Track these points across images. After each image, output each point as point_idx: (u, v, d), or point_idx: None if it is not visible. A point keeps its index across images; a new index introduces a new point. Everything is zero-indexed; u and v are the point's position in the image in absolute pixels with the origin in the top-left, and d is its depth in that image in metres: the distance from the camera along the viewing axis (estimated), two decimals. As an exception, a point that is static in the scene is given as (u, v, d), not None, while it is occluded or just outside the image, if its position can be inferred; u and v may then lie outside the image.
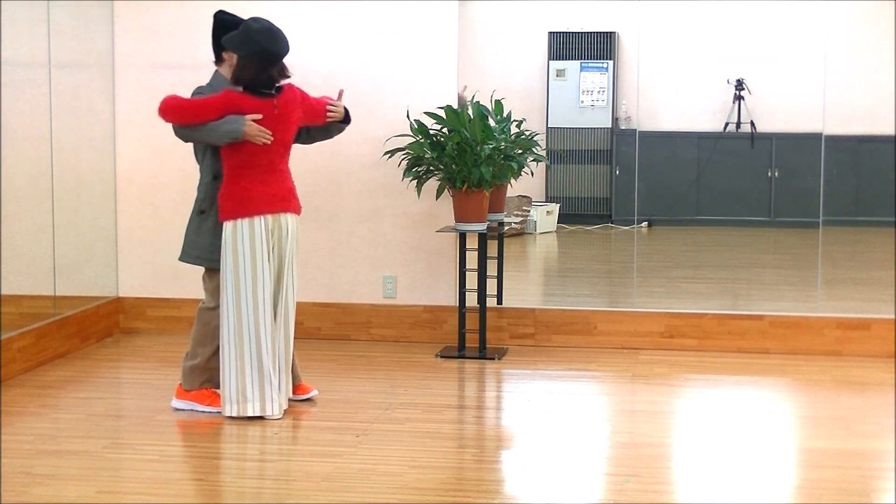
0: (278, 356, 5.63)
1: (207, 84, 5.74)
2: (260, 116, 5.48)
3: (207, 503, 4.48)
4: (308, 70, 6.10)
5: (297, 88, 5.67)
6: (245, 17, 5.67)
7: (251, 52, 5.48)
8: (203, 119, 5.48)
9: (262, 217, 5.53)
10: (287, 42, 5.56)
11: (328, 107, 5.79)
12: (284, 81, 5.61)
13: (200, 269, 7.42)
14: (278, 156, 5.62)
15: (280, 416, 5.57)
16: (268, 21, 5.57)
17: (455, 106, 6.84)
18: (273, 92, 5.55)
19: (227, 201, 5.54)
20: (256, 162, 5.54)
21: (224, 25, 5.69)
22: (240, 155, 5.53)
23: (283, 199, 5.61)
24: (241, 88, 5.54)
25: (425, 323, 7.22)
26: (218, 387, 5.68)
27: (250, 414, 5.55)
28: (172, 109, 5.53)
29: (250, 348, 5.54)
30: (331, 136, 6.01)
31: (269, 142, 5.50)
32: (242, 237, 5.52)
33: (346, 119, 5.90)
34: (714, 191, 9.71)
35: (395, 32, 7.14)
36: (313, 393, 5.90)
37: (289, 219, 5.64)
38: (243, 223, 5.51)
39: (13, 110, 6.39)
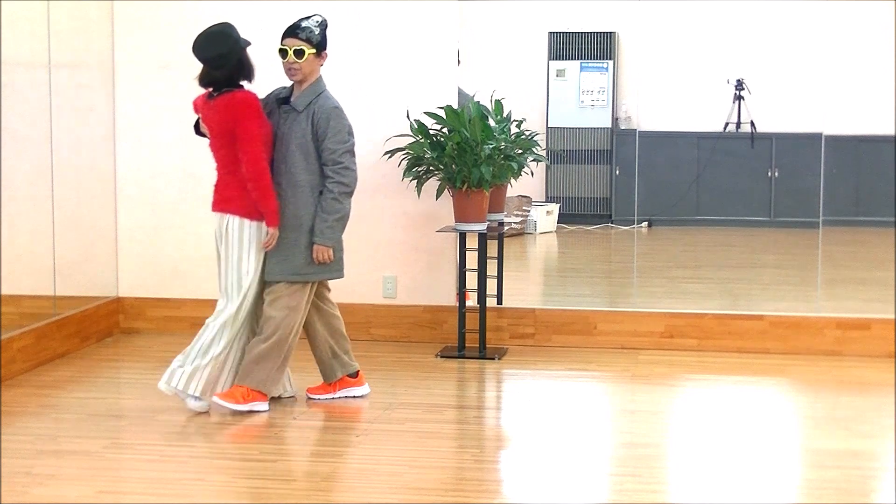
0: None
1: None
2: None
3: (207, 503, 4.48)
4: (308, 70, 6.09)
5: (241, 103, 5.59)
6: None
7: None
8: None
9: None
10: (197, 44, 5.67)
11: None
12: (247, 86, 5.69)
13: (199, 269, 7.42)
14: (217, 157, 5.73)
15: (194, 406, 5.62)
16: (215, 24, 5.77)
17: (455, 106, 6.85)
18: (213, 93, 5.68)
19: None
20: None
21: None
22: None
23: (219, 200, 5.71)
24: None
25: (425, 323, 7.22)
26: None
27: None
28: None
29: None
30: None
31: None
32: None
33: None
34: (714, 191, 9.72)
35: (395, 32, 7.14)
36: (329, 396, 5.89)
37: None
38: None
39: (13, 110, 6.39)
